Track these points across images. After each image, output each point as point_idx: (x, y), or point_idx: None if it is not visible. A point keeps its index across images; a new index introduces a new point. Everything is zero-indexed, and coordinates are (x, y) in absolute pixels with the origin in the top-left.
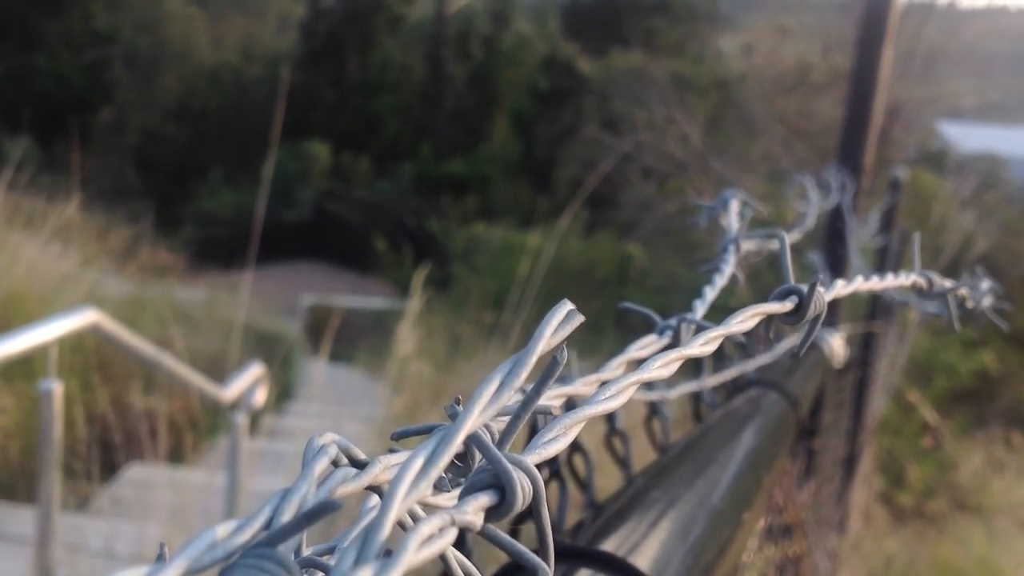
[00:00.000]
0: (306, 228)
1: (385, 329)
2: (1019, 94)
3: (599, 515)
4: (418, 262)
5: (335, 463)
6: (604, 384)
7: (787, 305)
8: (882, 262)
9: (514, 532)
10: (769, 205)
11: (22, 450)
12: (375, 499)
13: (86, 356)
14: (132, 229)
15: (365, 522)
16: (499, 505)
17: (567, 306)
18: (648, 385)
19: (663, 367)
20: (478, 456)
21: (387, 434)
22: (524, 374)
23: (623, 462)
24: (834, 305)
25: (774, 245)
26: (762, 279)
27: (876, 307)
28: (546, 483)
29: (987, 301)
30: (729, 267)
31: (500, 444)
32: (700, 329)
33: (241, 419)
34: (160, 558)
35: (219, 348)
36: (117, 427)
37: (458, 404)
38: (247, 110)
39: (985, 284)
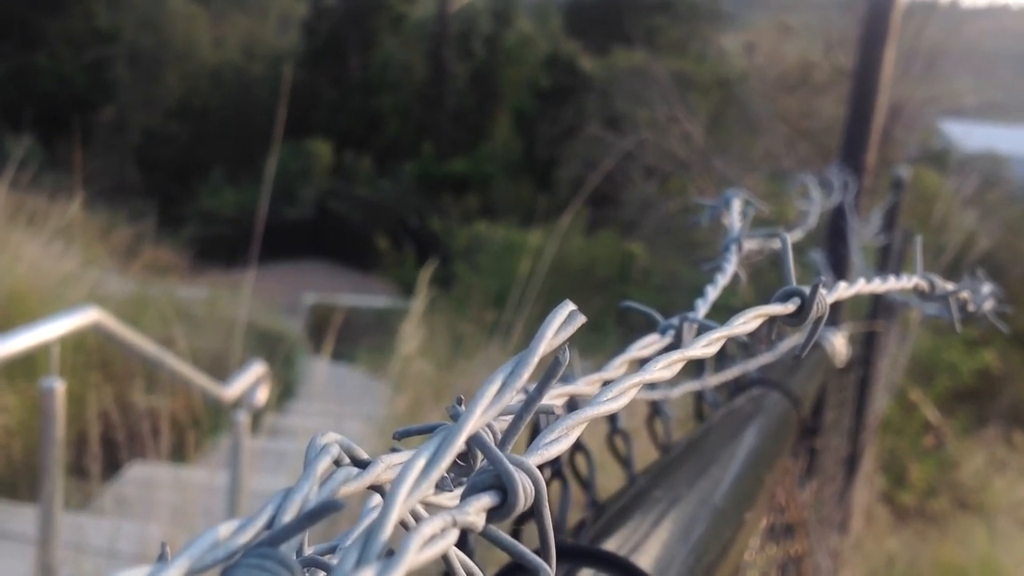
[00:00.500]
0: (308, 227)
1: (387, 328)
2: (1021, 93)
3: (601, 514)
4: (420, 261)
5: (337, 463)
6: (606, 384)
7: (789, 307)
8: (884, 261)
9: (516, 532)
10: (771, 204)
11: (24, 449)
12: (377, 499)
13: (88, 355)
14: (134, 228)
15: (367, 522)
16: (501, 506)
17: (569, 306)
18: (650, 384)
19: (665, 368)
20: (480, 456)
21: (389, 433)
22: (526, 374)
23: (625, 461)
24: (836, 304)
25: (776, 244)
26: (764, 278)
27: (878, 306)
28: (548, 482)
29: (988, 304)
30: (731, 266)
31: (502, 444)
32: (702, 329)
33: (243, 418)
34: (162, 557)
35: (221, 347)
36: (119, 426)
37: (460, 404)
38: (249, 109)
39: (986, 287)
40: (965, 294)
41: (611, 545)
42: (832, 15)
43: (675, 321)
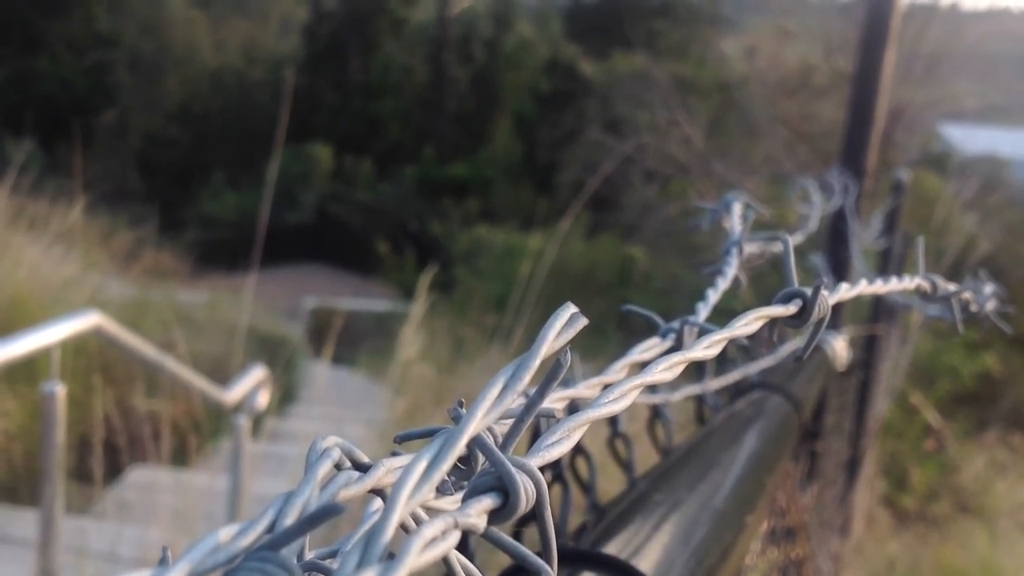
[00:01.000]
0: (308, 231)
1: (387, 332)
2: (1022, 96)
3: (602, 518)
4: (420, 265)
5: (338, 466)
6: (607, 387)
7: (791, 308)
8: (885, 265)
9: (517, 535)
10: (771, 207)
11: (25, 453)
12: (378, 502)
13: (89, 359)
14: (135, 232)
15: (368, 525)
16: (502, 508)
17: (570, 309)
18: (651, 388)
19: (666, 370)
20: (481, 459)
21: (390, 437)
22: (527, 377)
23: (626, 465)
24: (837, 308)
25: (777, 248)
26: (765, 281)
27: (879, 310)
28: (549, 486)
29: (991, 305)
30: (732, 270)
31: (503, 447)
32: (703, 332)
33: (244, 422)
34: (163, 562)
35: (222, 351)
36: (120, 430)
37: (461, 407)
38: (249, 113)
39: (988, 288)
40: (967, 295)
41: (612, 548)
42: (832, 19)
43: (676, 324)
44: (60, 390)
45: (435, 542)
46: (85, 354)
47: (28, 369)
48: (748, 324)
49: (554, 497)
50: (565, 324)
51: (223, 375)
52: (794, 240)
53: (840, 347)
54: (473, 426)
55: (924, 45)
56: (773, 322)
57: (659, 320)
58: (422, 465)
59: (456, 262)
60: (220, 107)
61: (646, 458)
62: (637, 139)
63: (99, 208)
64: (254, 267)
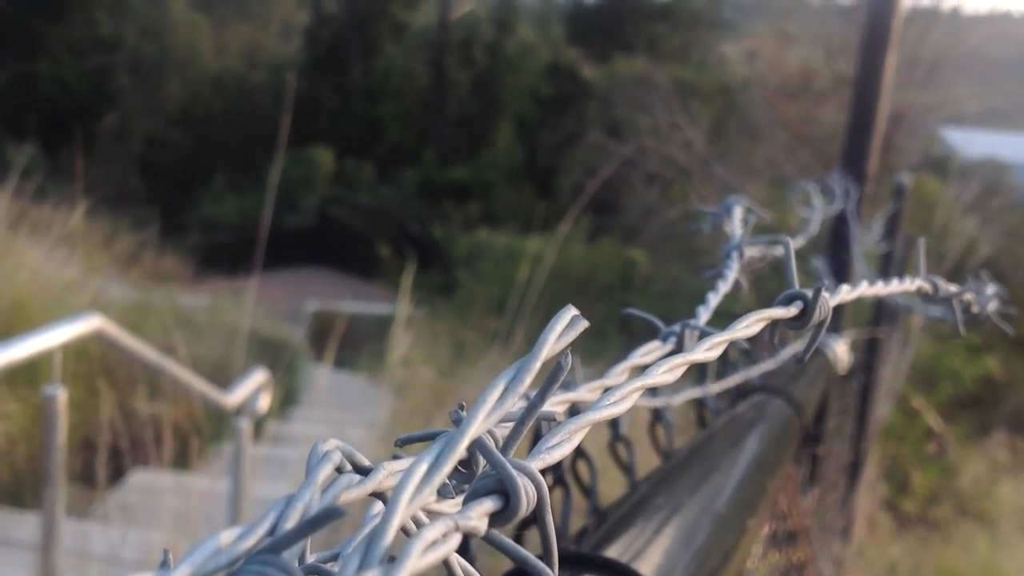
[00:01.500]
0: (310, 234)
1: (389, 335)
2: (1022, 100)
3: (603, 521)
4: (421, 268)
5: (339, 469)
6: (608, 390)
7: (792, 310)
8: (886, 268)
9: (518, 538)
10: (773, 211)
11: (27, 456)
12: (379, 505)
13: (90, 362)
14: (136, 235)
15: (369, 528)
16: (503, 511)
17: (571, 312)
18: (652, 391)
19: (667, 372)
20: (482, 462)
21: (390, 439)
22: (528, 380)
23: (627, 468)
24: (838, 311)
25: (778, 251)
26: (766, 285)
27: (880, 313)
28: (550, 489)
29: (992, 305)
30: (733, 273)
31: (504, 450)
32: (704, 334)
33: (245, 425)
34: (164, 564)
35: (223, 354)
36: (122, 433)
37: (462, 410)
38: (251, 116)
39: (990, 289)
40: (969, 296)
41: (613, 552)
42: (833, 22)
43: (677, 328)
44: (62, 393)
45: (436, 545)
46: (87, 357)
47: (30, 372)
48: (749, 326)
49: (555, 500)
50: (566, 327)
51: (224, 378)
52: (795, 244)
53: (841, 351)
54: (474, 429)
55: (925, 49)
56: (774, 325)
57: (660, 323)
58: (423, 468)
59: (457, 265)
60: (221, 110)
61: (647, 461)
62: (638, 143)
63: (101, 212)
64: (255, 270)
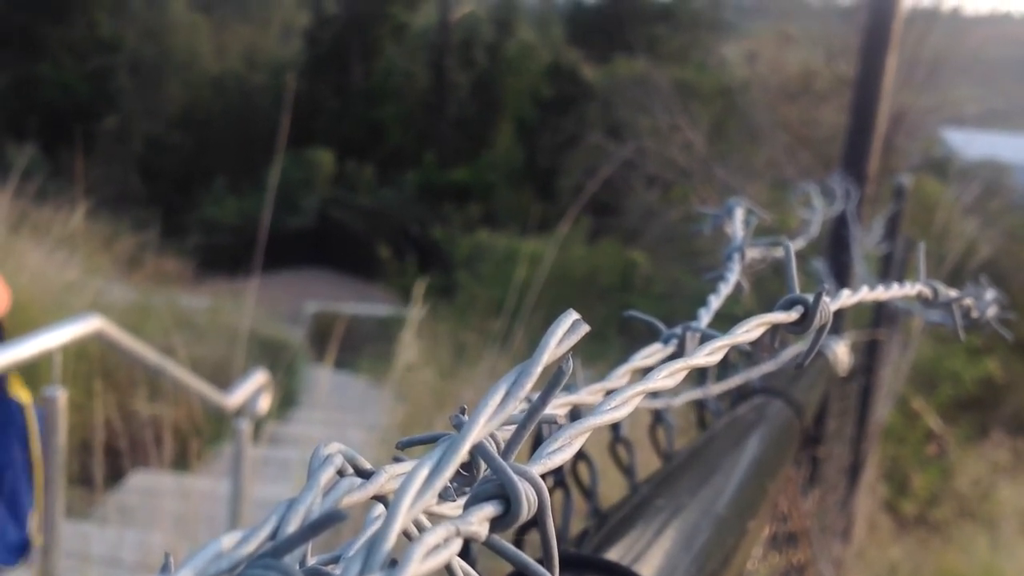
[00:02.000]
0: (310, 235)
1: (389, 336)
2: (1023, 101)
3: (603, 524)
4: (422, 269)
5: (340, 473)
6: (609, 393)
7: (793, 315)
8: (886, 269)
9: (519, 542)
10: (773, 212)
11: None
12: (380, 509)
13: (91, 363)
14: (137, 237)
15: (370, 532)
16: (504, 515)
17: (573, 316)
18: (652, 393)
19: (669, 377)
20: (483, 466)
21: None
22: (530, 384)
23: (627, 470)
24: (838, 313)
25: (779, 253)
26: (766, 286)
27: (880, 315)
28: (550, 491)
29: (992, 311)
30: (734, 275)
31: (505, 454)
32: (705, 338)
33: (245, 426)
34: (166, 568)
35: (223, 355)
36: (122, 434)
37: (463, 414)
38: (251, 118)
39: (990, 294)
40: (969, 301)
41: (614, 554)
42: (833, 24)
43: (678, 330)
44: (62, 394)
45: (437, 549)
46: (87, 358)
47: (30, 373)
48: (750, 331)
49: (555, 502)
50: (567, 331)
51: (224, 379)
52: (796, 245)
53: (842, 352)
54: (475, 433)
55: (925, 50)
56: (775, 328)
57: (661, 326)
58: (424, 472)
59: (457, 267)
60: (222, 112)
61: (647, 463)
62: (638, 144)
63: (101, 213)
64: (256, 272)
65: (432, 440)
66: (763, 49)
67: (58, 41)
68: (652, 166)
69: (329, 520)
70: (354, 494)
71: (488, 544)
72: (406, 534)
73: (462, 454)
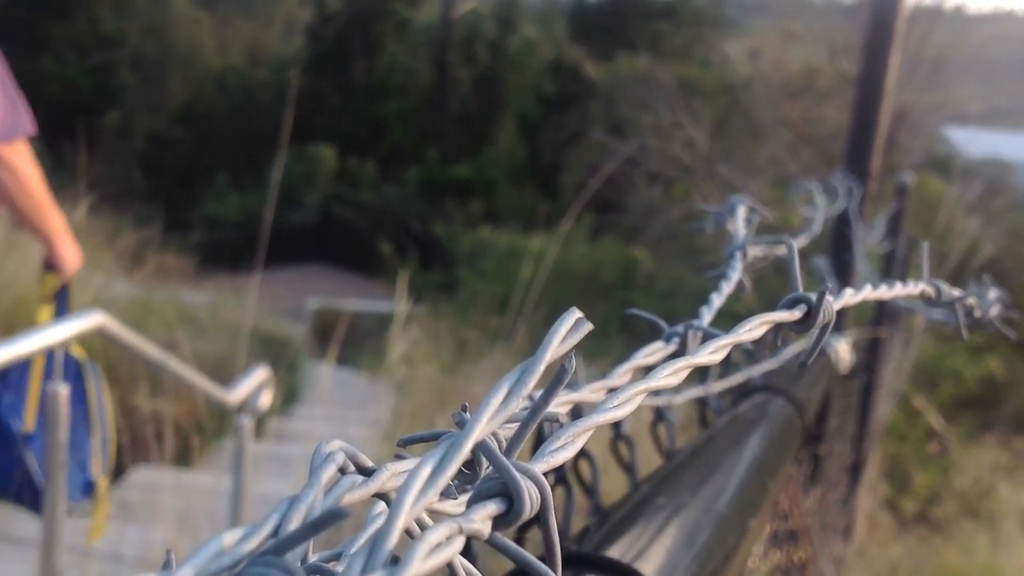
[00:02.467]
0: (312, 232)
1: (390, 333)
2: None
3: (605, 521)
4: (424, 266)
5: (342, 470)
6: (612, 391)
7: (796, 314)
8: (888, 267)
9: (520, 540)
10: (775, 210)
11: None
12: (382, 507)
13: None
14: (139, 232)
15: (372, 529)
16: (507, 513)
17: (575, 314)
18: (654, 390)
19: (671, 375)
20: (485, 464)
21: (393, 438)
22: (532, 382)
23: (629, 468)
24: (841, 311)
25: (781, 251)
26: (769, 284)
27: (882, 313)
28: (552, 489)
29: (995, 310)
30: (736, 273)
31: (508, 452)
32: (707, 336)
33: (247, 422)
34: (167, 565)
35: (225, 351)
36: (123, 430)
37: (465, 411)
38: (253, 114)
39: (993, 293)
40: (971, 300)
41: (615, 552)
42: (836, 21)
43: (680, 328)
44: (63, 390)
45: (440, 547)
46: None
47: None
48: (752, 329)
49: (557, 500)
50: (570, 329)
51: (226, 375)
52: (798, 243)
53: (843, 350)
54: (478, 431)
55: (928, 48)
56: (778, 326)
57: (663, 324)
58: (427, 470)
59: (459, 263)
60: (224, 108)
61: (649, 461)
62: (641, 141)
63: (103, 209)
64: (258, 268)
65: (434, 438)
66: (766, 47)
67: (60, 36)
68: (654, 163)
69: (331, 518)
70: (356, 492)
71: (490, 542)
72: (408, 532)
73: (465, 452)
